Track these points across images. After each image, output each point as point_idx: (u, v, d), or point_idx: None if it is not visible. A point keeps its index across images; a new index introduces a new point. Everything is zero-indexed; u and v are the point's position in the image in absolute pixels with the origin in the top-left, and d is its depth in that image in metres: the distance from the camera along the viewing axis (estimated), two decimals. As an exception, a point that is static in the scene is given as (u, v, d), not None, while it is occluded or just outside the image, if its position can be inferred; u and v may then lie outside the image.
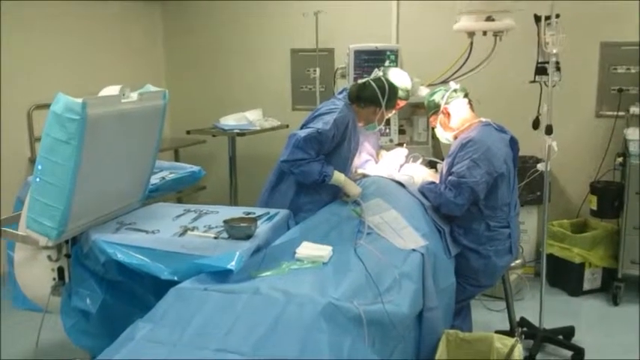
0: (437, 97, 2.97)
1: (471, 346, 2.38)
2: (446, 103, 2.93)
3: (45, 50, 4.41)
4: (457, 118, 2.93)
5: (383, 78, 2.87)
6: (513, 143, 2.89)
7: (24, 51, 4.26)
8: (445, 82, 3.37)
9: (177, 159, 5.17)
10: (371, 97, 2.81)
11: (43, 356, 3.08)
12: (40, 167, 2.13)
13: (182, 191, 4.86)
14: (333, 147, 2.76)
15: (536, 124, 3.09)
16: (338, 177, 2.72)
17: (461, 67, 3.46)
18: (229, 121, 4.76)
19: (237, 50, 5.27)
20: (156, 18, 5.51)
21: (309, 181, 2.70)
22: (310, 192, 2.79)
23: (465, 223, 2.81)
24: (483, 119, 2.92)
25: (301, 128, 2.76)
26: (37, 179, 2.15)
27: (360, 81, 2.88)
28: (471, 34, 3.37)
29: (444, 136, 3.03)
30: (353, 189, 2.77)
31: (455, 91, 2.95)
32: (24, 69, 4.26)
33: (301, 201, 2.79)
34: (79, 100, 2.04)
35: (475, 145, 2.72)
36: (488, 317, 3.59)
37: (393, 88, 2.87)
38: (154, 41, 5.52)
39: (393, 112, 3.11)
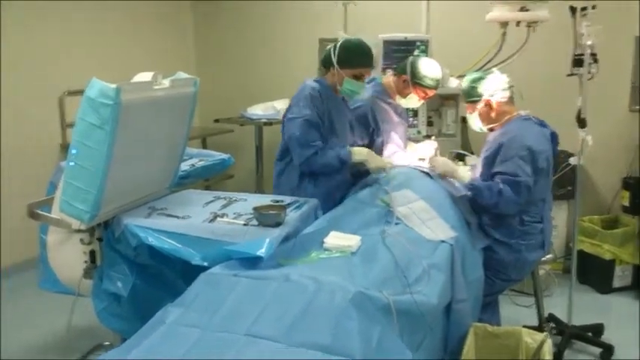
0: (481, 88, 2.86)
1: (499, 340, 2.35)
2: (490, 95, 2.85)
3: (79, 40, 4.48)
4: (498, 111, 2.85)
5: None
6: (553, 138, 2.83)
7: (57, 39, 4.32)
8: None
9: (205, 147, 5.20)
10: (326, 58, 2.76)
11: (73, 339, 3.13)
12: (74, 151, 2.15)
13: (210, 179, 4.90)
14: (328, 127, 2.73)
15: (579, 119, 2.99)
16: (359, 151, 2.70)
17: (492, 59, 3.41)
18: (257, 110, 4.78)
19: (266, 39, 5.27)
20: (186, 8, 5.54)
21: (332, 170, 2.67)
22: (312, 178, 2.77)
23: (498, 217, 2.76)
24: (522, 112, 2.85)
25: (283, 117, 2.76)
26: (72, 163, 2.17)
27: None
28: (504, 24, 3.32)
29: (478, 125, 2.95)
30: (377, 162, 2.73)
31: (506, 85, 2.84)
32: (56, 57, 4.32)
33: (305, 186, 2.79)
34: (113, 86, 2.06)
35: (521, 143, 2.67)
36: (516, 312, 3.55)
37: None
38: (184, 31, 5.55)
39: (415, 97, 3.04)
